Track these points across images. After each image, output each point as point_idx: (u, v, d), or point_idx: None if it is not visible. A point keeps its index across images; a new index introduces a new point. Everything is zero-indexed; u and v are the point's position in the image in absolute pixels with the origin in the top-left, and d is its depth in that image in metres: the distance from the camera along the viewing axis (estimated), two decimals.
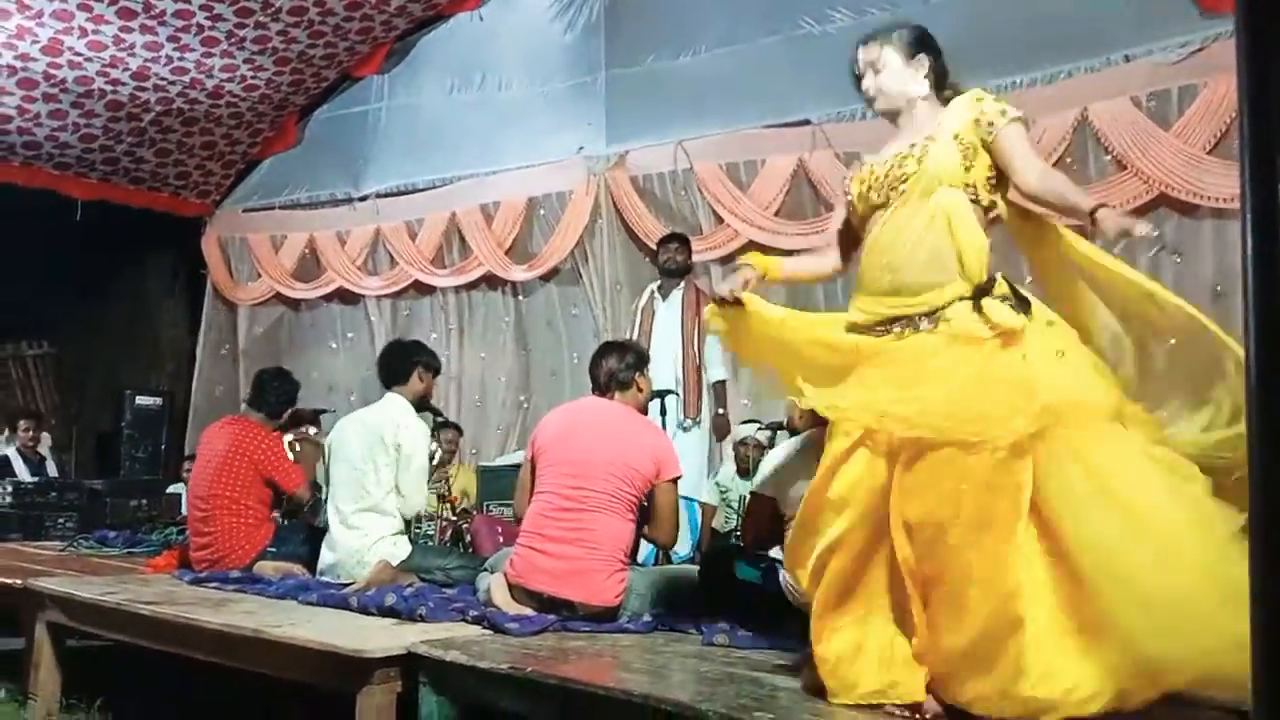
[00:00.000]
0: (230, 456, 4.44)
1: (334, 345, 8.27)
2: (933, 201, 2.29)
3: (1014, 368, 2.17)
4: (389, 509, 4.09)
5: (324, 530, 4.21)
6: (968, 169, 2.34)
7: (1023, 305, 2.27)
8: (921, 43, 2.53)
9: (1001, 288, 2.28)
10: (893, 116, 2.54)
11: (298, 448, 4.73)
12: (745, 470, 5.68)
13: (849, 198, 2.52)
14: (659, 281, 5.49)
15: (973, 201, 2.33)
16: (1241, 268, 1.17)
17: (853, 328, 2.39)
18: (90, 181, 8.11)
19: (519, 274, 7.15)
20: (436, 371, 4.42)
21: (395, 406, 4.21)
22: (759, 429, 5.58)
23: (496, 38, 7.44)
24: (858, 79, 2.56)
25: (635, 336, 5.37)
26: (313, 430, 4.91)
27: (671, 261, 5.42)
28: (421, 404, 4.32)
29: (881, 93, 2.51)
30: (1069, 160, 5.29)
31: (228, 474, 4.41)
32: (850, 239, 2.58)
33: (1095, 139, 5.21)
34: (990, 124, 2.34)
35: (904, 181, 2.35)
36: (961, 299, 2.25)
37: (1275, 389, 1.17)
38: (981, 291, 2.25)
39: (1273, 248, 1.13)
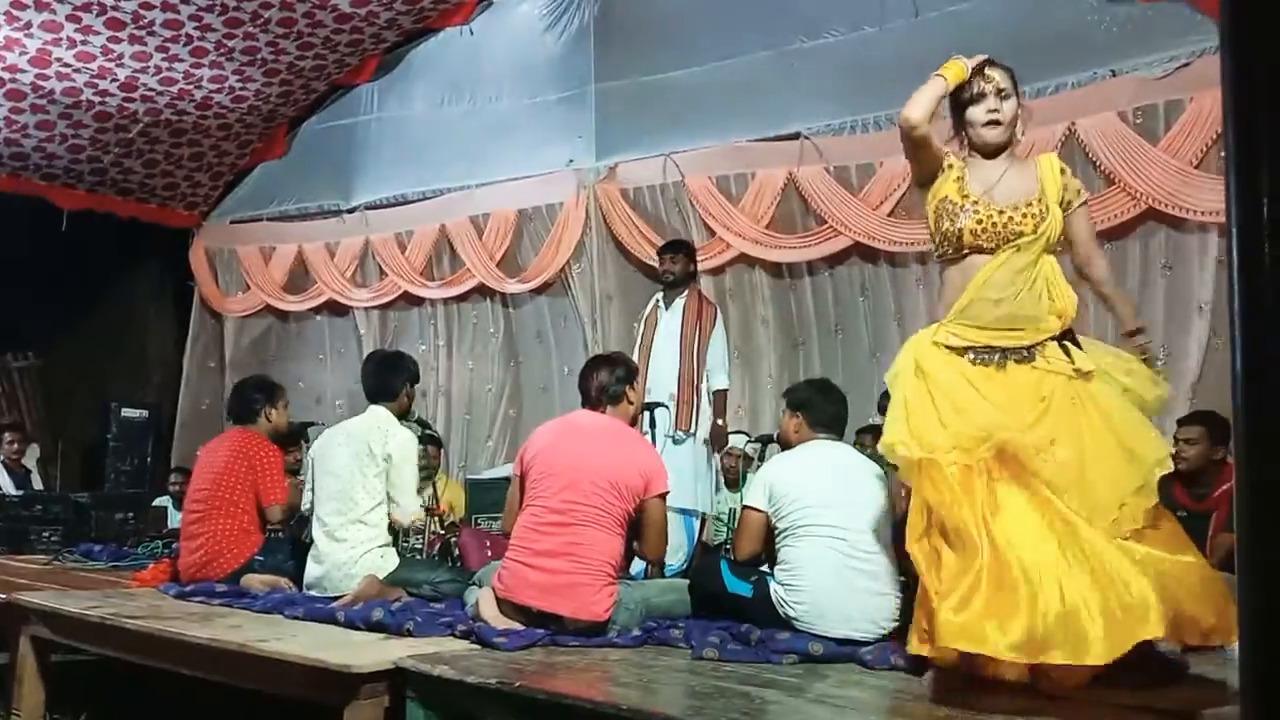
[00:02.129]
0: (231, 461, 4.46)
1: (322, 357, 8.24)
2: (1031, 258, 2.71)
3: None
4: (376, 521, 4.06)
5: (310, 545, 4.18)
6: (1063, 230, 2.77)
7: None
8: (1019, 95, 2.84)
9: (1071, 334, 2.74)
10: (995, 149, 2.79)
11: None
12: (733, 482, 5.67)
13: (966, 219, 2.73)
14: (664, 291, 5.47)
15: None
16: (1228, 280, 1.18)
17: (950, 349, 2.73)
18: (78, 192, 8.08)
19: (511, 286, 7.15)
20: (416, 382, 4.45)
21: (381, 417, 4.20)
22: (748, 442, 5.57)
23: (486, 50, 7.46)
24: (967, 91, 2.78)
25: (637, 345, 5.36)
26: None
27: (668, 273, 5.41)
28: (406, 414, 4.32)
29: (1006, 125, 2.79)
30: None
31: (227, 478, 4.43)
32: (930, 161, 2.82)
33: (1083, 153, 5.23)
34: (1070, 201, 2.78)
35: (1020, 237, 2.70)
36: (1051, 339, 2.70)
37: (1261, 400, 1.17)
38: (1066, 334, 2.71)
39: (1258, 260, 1.14)
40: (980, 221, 2.71)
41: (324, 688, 2.81)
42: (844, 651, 3.00)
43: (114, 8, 6.44)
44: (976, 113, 2.79)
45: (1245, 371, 1.17)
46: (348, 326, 8.11)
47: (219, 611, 3.77)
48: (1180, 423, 4.36)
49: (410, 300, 7.74)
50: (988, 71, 2.80)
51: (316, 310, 8.20)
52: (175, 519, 6.45)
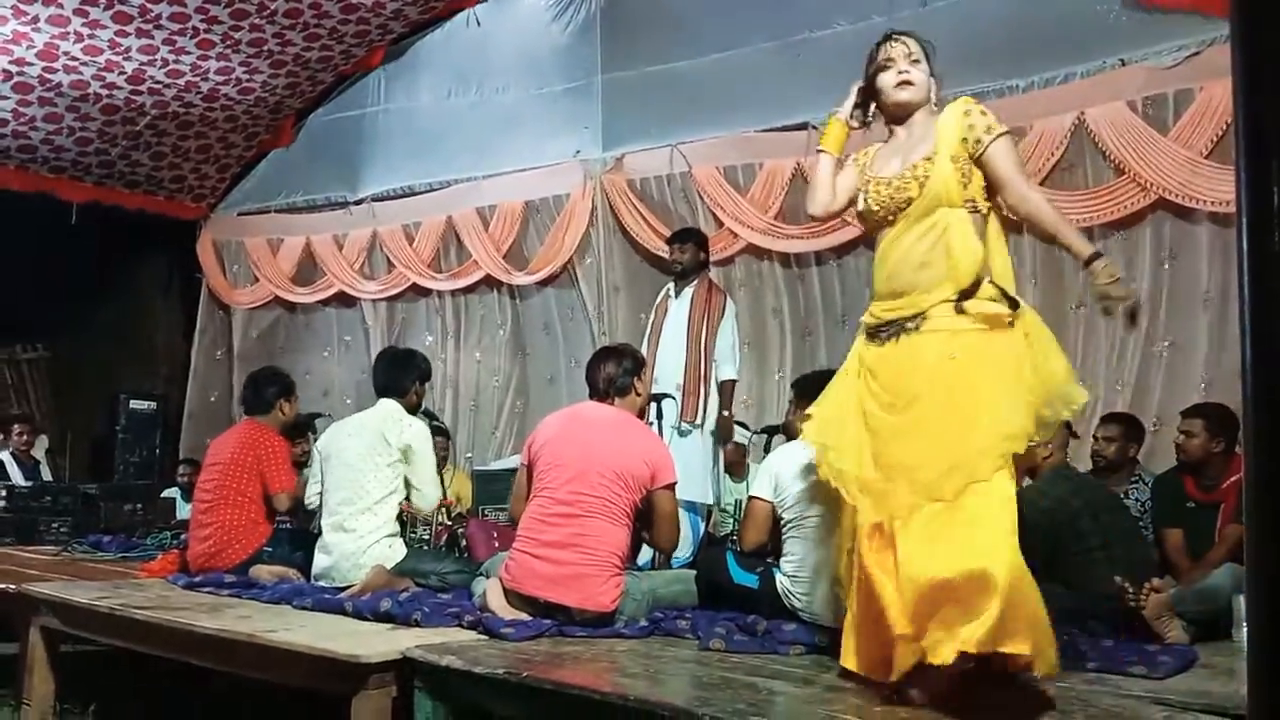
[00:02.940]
0: (239, 452, 4.51)
1: (329, 349, 8.25)
2: (931, 220, 2.55)
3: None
4: (384, 511, 4.08)
5: (318, 536, 4.20)
6: (965, 185, 2.57)
7: (1011, 304, 2.53)
8: (932, 65, 2.76)
9: (988, 290, 2.53)
10: (905, 113, 2.72)
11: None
12: (736, 473, 5.65)
13: (862, 203, 2.71)
14: (674, 280, 5.46)
15: (974, 212, 2.58)
16: (1238, 271, 1.17)
17: (863, 329, 2.70)
18: (85, 185, 8.09)
19: (518, 278, 7.14)
20: (428, 379, 4.50)
21: (391, 408, 4.23)
22: (754, 433, 5.56)
23: (493, 41, 7.44)
24: (874, 64, 2.74)
25: (646, 335, 5.35)
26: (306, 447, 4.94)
27: (676, 262, 5.39)
28: (415, 410, 4.36)
29: (918, 86, 2.70)
30: (1066, 164, 5.30)
31: (235, 469, 4.47)
32: (846, 185, 2.82)
33: (1092, 143, 5.21)
34: (978, 141, 2.57)
35: (907, 204, 2.58)
36: (945, 301, 2.51)
37: (1270, 391, 1.16)
38: (965, 295, 2.50)
39: (1269, 250, 1.13)
40: (871, 197, 2.66)
41: (332, 678, 2.82)
42: None
43: (121, 1, 6.44)
44: (887, 78, 2.71)
45: (1255, 362, 1.16)
46: (355, 318, 8.12)
47: (227, 602, 3.79)
48: (1183, 414, 4.35)
49: (418, 292, 7.74)
50: (895, 38, 2.75)
51: (325, 302, 8.21)
52: (184, 510, 6.48)
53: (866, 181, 2.71)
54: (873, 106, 2.81)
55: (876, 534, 2.48)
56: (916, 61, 2.70)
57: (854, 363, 2.72)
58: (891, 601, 2.40)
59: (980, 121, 2.57)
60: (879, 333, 2.63)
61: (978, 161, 2.57)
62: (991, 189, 2.60)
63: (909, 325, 2.55)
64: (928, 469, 2.43)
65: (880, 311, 2.63)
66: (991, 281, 2.54)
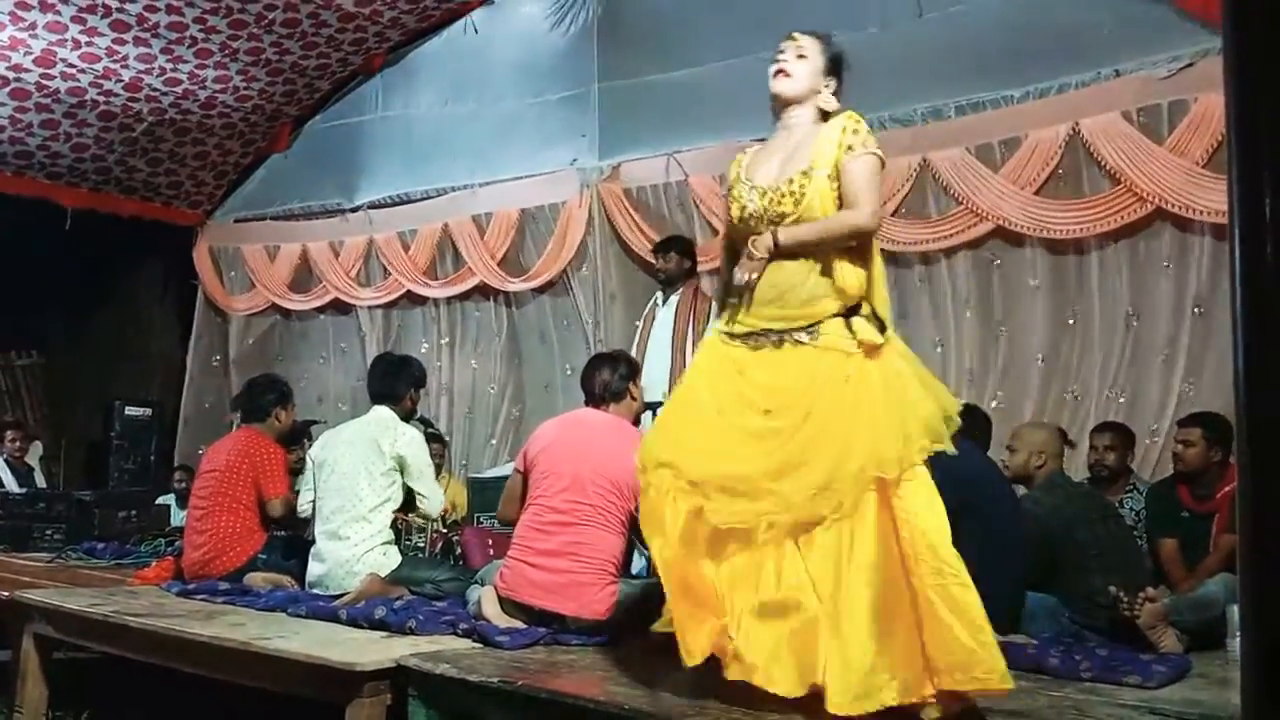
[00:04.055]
0: (235, 459, 4.50)
1: (324, 356, 8.25)
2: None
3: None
4: (378, 519, 4.07)
5: (313, 543, 4.19)
6: (838, 198, 2.59)
7: (880, 326, 2.58)
8: (839, 63, 2.74)
9: (866, 308, 2.59)
10: (783, 106, 2.72)
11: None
12: None
13: (734, 209, 2.72)
14: (662, 289, 5.47)
15: None
16: (1230, 281, 1.18)
17: (730, 338, 2.64)
18: (81, 191, 8.08)
19: (514, 285, 7.14)
20: (422, 386, 4.50)
21: (386, 416, 4.23)
22: None
23: (490, 50, 7.45)
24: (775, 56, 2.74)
25: (636, 341, 5.36)
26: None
27: (662, 271, 5.41)
28: (409, 417, 4.35)
29: (796, 77, 2.69)
30: (1061, 174, 5.32)
31: (230, 476, 4.47)
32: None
33: (1087, 153, 5.23)
34: (850, 147, 2.60)
35: (783, 218, 2.57)
36: (834, 316, 2.54)
37: (1263, 401, 1.17)
38: (852, 312, 2.55)
39: (1261, 260, 1.14)
40: (744, 208, 2.65)
41: (326, 686, 2.81)
42: None
43: (119, 9, 6.45)
44: (771, 70, 2.72)
45: (1248, 372, 1.17)
46: (351, 325, 8.11)
47: (222, 609, 3.78)
48: (1179, 424, 4.36)
49: (413, 299, 7.74)
50: (792, 35, 2.75)
51: (321, 309, 8.20)
52: (178, 517, 6.46)
53: (739, 182, 2.69)
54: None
55: (730, 537, 2.45)
56: (802, 57, 2.69)
57: (713, 363, 2.67)
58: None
59: (855, 139, 2.60)
60: (751, 338, 2.60)
61: (839, 168, 2.58)
62: (842, 200, 2.59)
63: (799, 337, 2.54)
64: (800, 486, 2.41)
65: (758, 321, 2.59)
66: (868, 301, 2.60)
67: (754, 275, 2.54)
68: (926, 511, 2.41)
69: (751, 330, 2.59)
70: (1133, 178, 5.01)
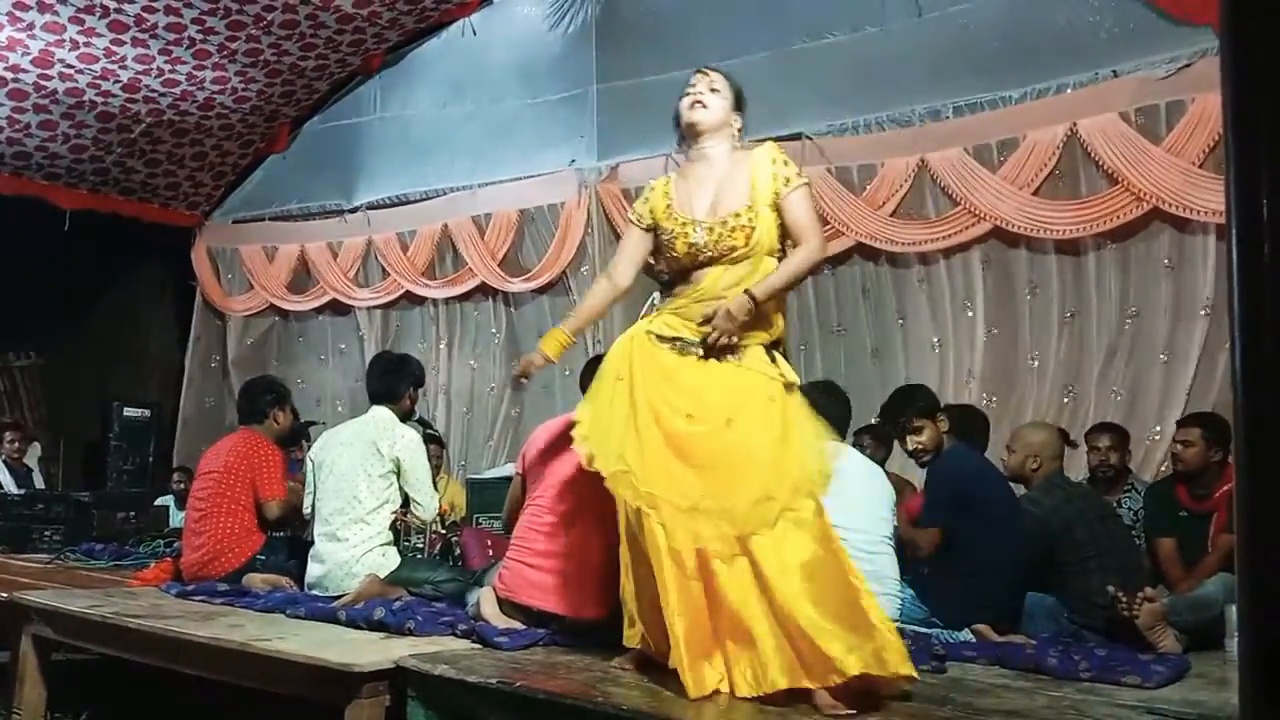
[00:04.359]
0: (232, 461, 4.49)
1: (323, 357, 8.25)
2: (751, 264, 2.71)
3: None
4: (377, 520, 4.07)
5: (311, 544, 4.19)
6: (779, 234, 2.75)
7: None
8: (741, 100, 2.90)
9: (781, 345, 2.77)
10: (697, 136, 2.84)
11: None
12: None
13: (667, 238, 2.81)
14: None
15: (780, 258, 2.76)
16: (1228, 282, 1.18)
17: (659, 340, 2.74)
18: (80, 192, 8.08)
19: (515, 286, 7.15)
20: (421, 386, 4.50)
21: (385, 417, 4.23)
22: None
23: (488, 51, 7.45)
24: (686, 96, 2.85)
25: None
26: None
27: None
28: (408, 417, 4.35)
29: (712, 109, 2.83)
30: (1059, 174, 5.33)
31: (228, 477, 4.45)
32: (636, 258, 2.97)
33: (1085, 154, 5.23)
34: (778, 191, 2.73)
35: (734, 250, 2.71)
36: (759, 344, 2.69)
37: (1261, 401, 1.17)
38: (775, 344, 2.74)
39: (1258, 261, 1.14)
40: (692, 244, 2.75)
41: (325, 687, 2.81)
42: None
43: (116, 10, 6.45)
44: (684, 102, 2.85)
45: (1245, 372, 1.17)
46: (349, 326, 8.11)
47: (220, 611, 3.78)
48: (1179, 424, 4.36)
49: (412, 299, 7.74)
50: (703, 70, 2.89)
51: (319, 310, 8.20)
52: (177, 518, 6.45)
53: (680, 223, 2.78)
54: (678, 134, 2.93)
55: (691, 558, 2.50)
56: (716, 91, 2.84)
57: (644, 363, 2.72)
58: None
59: (783, 172, 2.75)
60: (679, 344, 2.70)
61: (777, 207, 2.73)
62: (784, 233, 2.75)
63: (727, 356, 2.67)
64: (739, 496, 2.50)
65: (688, 332, 2.70)
66: (782, 343, 2.79)
67: (733, 339, 2.65)
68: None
69: (679, 336, 2.71)
70: (1130, 178, 5.02)
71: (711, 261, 2.74)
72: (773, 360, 2.71)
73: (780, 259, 2.75)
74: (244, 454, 4.50)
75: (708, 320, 2.65)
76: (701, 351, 2.69)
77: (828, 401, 3.53)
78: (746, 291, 2.65)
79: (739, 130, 2.88)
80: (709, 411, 2.62)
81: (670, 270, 2.89)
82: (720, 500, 2.52)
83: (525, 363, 3.02)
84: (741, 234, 2.70)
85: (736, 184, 2.76)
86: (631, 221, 2.97)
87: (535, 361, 2.99)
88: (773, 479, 2.53)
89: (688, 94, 2.86)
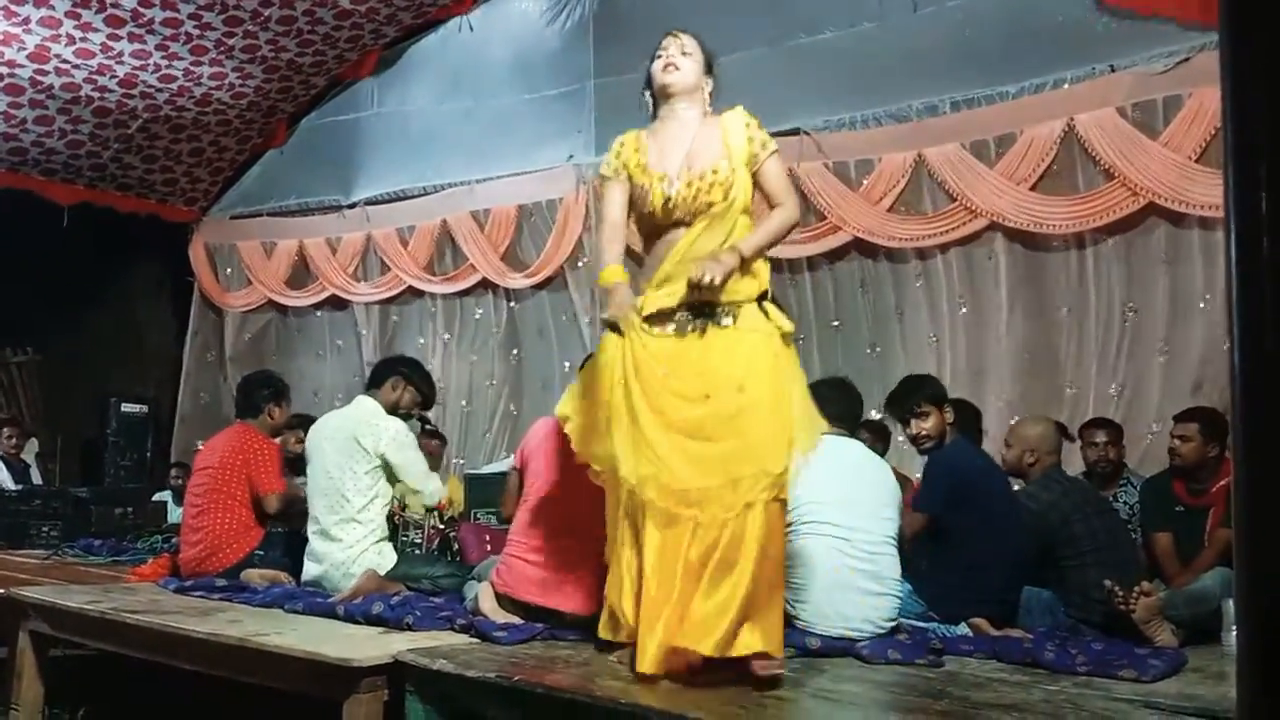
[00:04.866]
0: (228, 456, 4.48)
1: (321, 352, 8.24)
2: (728, 223, 2.73)
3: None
4: (370, 518, 4.05)
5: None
6: (753, 190, 2.80)
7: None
8: (711, 63, 2.94)
9: (769, 294, 2.78)
10: (667, 95, 2.86)
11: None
12: None
13: (657, 201, 2.76)
14: None
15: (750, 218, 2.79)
16: (1226, 276, 1.18)
17: (656, 319, 2.71)
18: (76, 187, 8.07)
19: (513, 281, 7.14)
20: (425, 398, 4.38)
21: (365, 408, 4.19)
22: None
23: (486, 46, 7.45)
24: (652, 53, 2.90)
25: None
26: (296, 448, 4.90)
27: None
28: (396, 410, 4.29)
29: (684, 70, 2.86)
30: (1056, 170, 5.33)
31: (224, 473, 4.45)
32: (620, 209, 2.88)
33: (1082, 148, 5.23)
34: (756, 155, 2.78)
35: (710, 207, 2.72)
36: (750, 301, 2.69)
37: (1259, 395, 1.17)
38: (764, 296, 2.74)
39: (1257, 255, 1.14)
40: (670, 198, 2.74)
41: (323, 682, 2.81)
42: (840, 645, 3.02)
43: (113, 5, 6.43)
44: (656, 65, 2.88)
45: (1243, 367, 1.17)
46: (348, 321, 8.11)
47: (219, 606, 3.78)
48: (1176, 419, 4.37)
49: (412, 294, 7.74)
50: (674, 32, 2.92)
51: (317, 305, 8.20)
52: (175, 514, 6.46)
53: (657, 178, 2.76)
54: (648, 95, 2.94)
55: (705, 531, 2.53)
56: (687, 54, 2.87)
57: (627, 369, 2.68)
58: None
59: (759, 136, 2.80)
60: (672, 322, 2.69)
61: (754, 172, 2.78)
62: (763, 198, 2.82)
63: (721, 320, 2.67)
64: (750, 462, 2.53)
65: (676, 297, 2.67)
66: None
67: (717, 283, 2.62)
68: None
69: (673, 310, 2.69)
70: (1127, 173, 5.02)
71: (687, 220, 2.74)
72: (766, 314, 2.72)
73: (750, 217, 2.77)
74: (239, 449, 4.49)
75: (696, 284, 2.61)
76: (697, 324, 2.67)
77: (840, 396, 3.53)
78: (733, 247, 2.67)
79: (710, 94, 2.90)
80: (722, 383, 2.62)
81: (642, 232, 2.86)
82: (732, 469, 2.53)
83: (624, 309, 2.76)
84: (720, 189, 2.71)
85: (710, 143, 2.78)
86: (608, 177, 2.90)
87: (628, 305, 2.77)
88: (772, 441, 2.56)
89: (659, 56, 2.88)
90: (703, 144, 2.79)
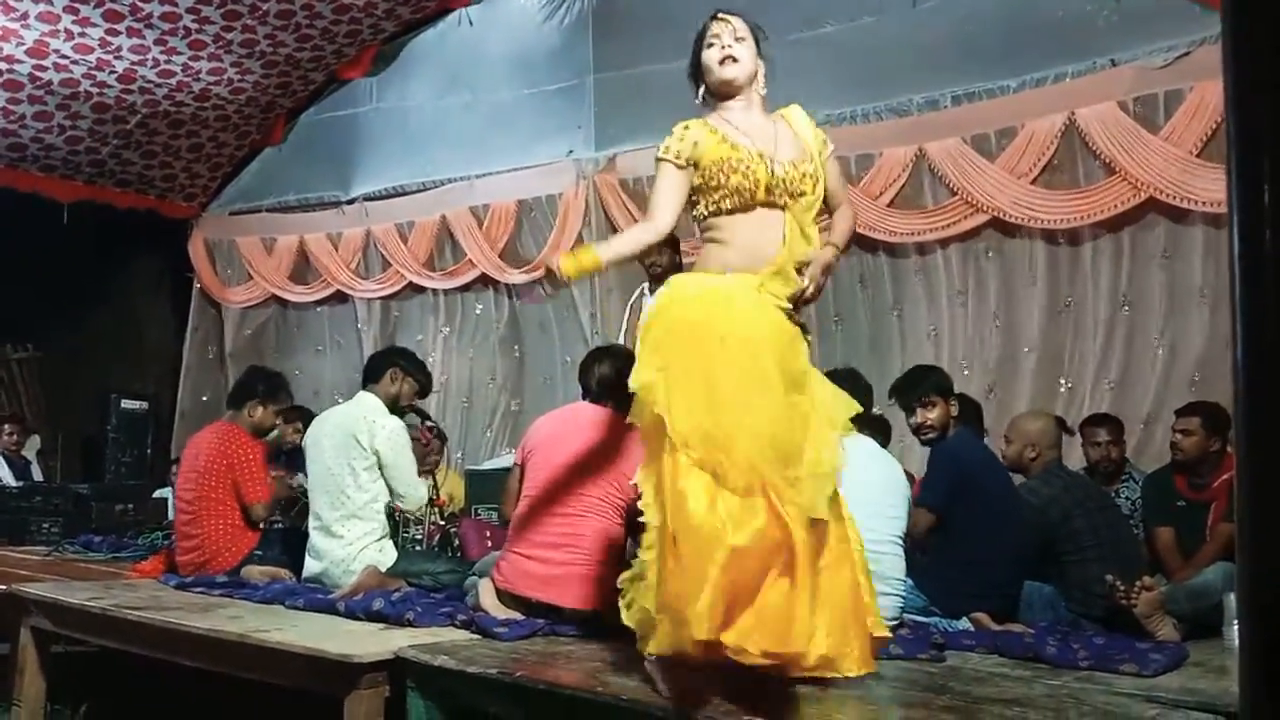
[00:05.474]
0: (214, 460, 4.43)
1: (320, 348, 8.24)
2: (810, 217, 2.60)
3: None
4: (371, 514, 4.05)
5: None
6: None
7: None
8: (761, 41, 2.76)
9: None
10: (731, 91, 2.68)
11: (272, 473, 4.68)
12: None
13: (735, 169, 2.55)
14: (649, 282, 5.48)
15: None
16: (1229, 271, 1.18)
17: (770, 301, 2.52)
18: (76, 184, 8.06)
19: (514, 277, 7.14)
20: (423, 387, 4.35)
21: (366, 405, 4.18)
22: None
23: (485, 41, 7.43)
24: (700, 41, 2.73)
25: (624, 333, 5.36)
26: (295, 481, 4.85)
27: (655, 265, 5.41)
28: (397, 406, 4.28)
29: (743, 61, 2.68)
30: (1057, 164, 5.32)
31: (211, 478, 4.40)
32: (676, 201, 2.63)
33: (1083, 142, 5.23)
34: (825, 143, 2.71)
35: (803, 196, 2.58)
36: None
37: (1261, 390, 1.17)
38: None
39: (1260, 250, 1.13)
40: (775, 175, 2.54)
41: (325, 678, 2.81)
42: None
43: (111, 0, 6.43)
44: (710, 55, 2.69)
45: (1245, 361, 1.17)
46: (348, 318, 8.10)
47: (219, 602, 3.78)
48: (1177, 413, 4.37)
49: (413, 290, 7.73)
50: (721, 16, 2.73)
51: (319, 301, 8.19)
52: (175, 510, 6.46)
53: (755, 154, 2.55)
54: (701, 88, 2.74)
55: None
56: (741, 39, 2.69)
57: (775, 333, 2.49)
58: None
59: (820, 134, 2.72)
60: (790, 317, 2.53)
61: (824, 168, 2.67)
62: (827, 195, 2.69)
63: (793, 316, 2.55)
64: (817, 464, 2.40)
65: (787, 288, 2.52)
66: None
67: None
68: None
69: (782, 305, 2.54)
70: (1128, 167, 5.01)
71: (780, 205, 2.55)
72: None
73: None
74: (221, 452, 4.42)
75: (800, 268, 2.49)
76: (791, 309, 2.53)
77: (852, 388, 3.51)
78: (831, 244, 2.58)
79: (765, 76, 2.72)
80: (796, 382, 2.48)
81: (722, 209, 2.57)
82: (812, 467, 2.40)
83: (546, 268, 2.61)
84: (810, 181, 2.59)
85: (784, 134, 2.65)
86: (667, 161, 2.61)
87: (556, 269, 2.59)
88: (833, 435, 2.48)
89: (711, 44, 2.69)
90: (781, 134, 2.64)
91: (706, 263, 2.62)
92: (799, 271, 2.53)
